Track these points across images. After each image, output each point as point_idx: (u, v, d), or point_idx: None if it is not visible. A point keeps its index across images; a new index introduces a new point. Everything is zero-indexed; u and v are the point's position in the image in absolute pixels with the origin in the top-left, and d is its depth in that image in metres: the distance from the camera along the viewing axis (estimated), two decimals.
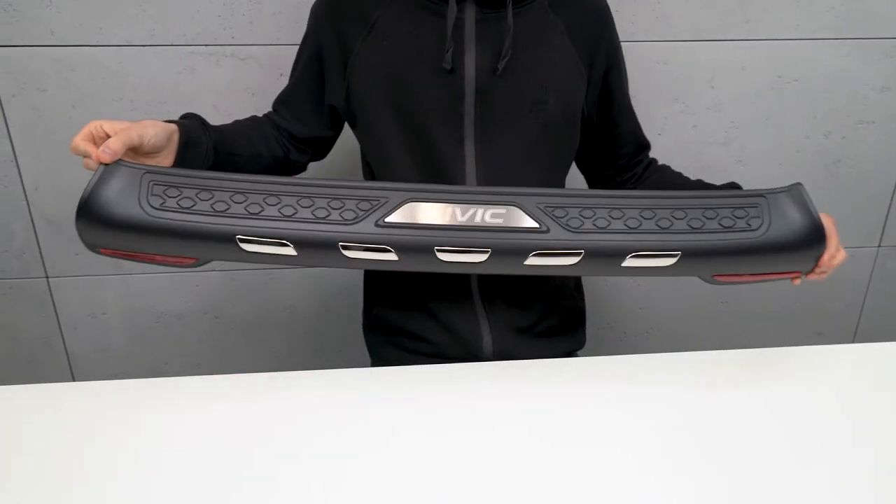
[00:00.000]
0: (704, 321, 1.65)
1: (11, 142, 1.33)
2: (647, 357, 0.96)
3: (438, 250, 0.78)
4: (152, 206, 0.75)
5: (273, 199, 0.76)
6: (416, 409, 0.84)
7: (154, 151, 0.82)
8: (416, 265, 0.81)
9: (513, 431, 0.80)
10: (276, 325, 1.55)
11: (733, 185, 0.97)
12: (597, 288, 1.59)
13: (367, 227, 0.76)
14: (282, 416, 0.82)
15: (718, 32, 1.37)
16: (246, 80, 1.32)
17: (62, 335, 1.51)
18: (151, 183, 0.76)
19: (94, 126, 0.79)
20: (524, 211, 0.80)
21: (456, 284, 1.00)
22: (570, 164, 1.05)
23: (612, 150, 1.06)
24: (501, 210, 0.79)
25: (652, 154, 1.10)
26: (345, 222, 0.76)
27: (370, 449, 0.77)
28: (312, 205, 0.76)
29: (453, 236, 0.78)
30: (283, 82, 1.00)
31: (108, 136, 0.78)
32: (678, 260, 0.80)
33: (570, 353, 1.12)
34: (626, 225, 0.80)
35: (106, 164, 0.75)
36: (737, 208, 0.82)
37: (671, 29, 1.36)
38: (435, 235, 0.77)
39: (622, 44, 1.33)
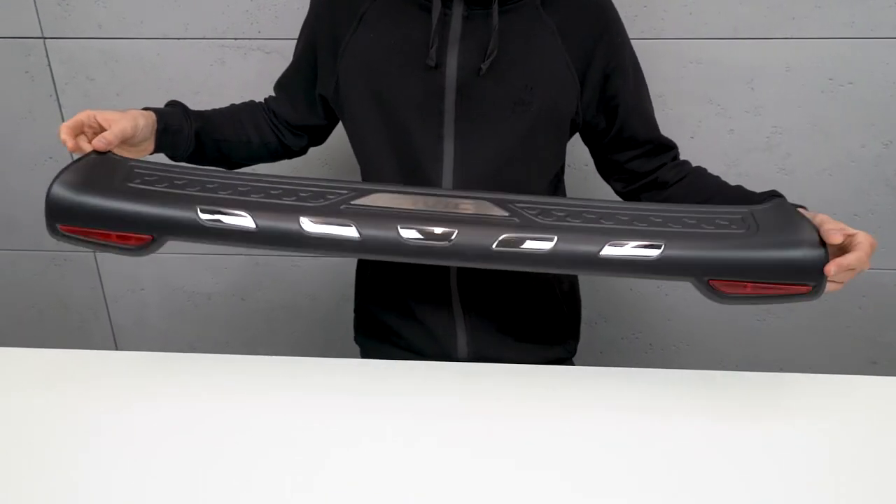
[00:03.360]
0: (739, 339, 1.55)
1: None
2: (647, 372, 0.90)
3: (402, 228, 0.75)
4: (125, 184, 0.78)
5: (233, 186, 0.79)
6: (385, 404, 0.84)
7: (143, 140, 0.88)
8: (379, 246, 0.77)
9: (472, 432, 0.79)
10: (297, 311, 1.60)
11: (774, 194, 0.89)
12: (621, 296, 1.53)
13: (329, 206, 0.76)
14: (270, 400, 0.84)
15: (760, 30, 1.27)
16: (271, 73, 1.34)
17: (107, 307, 1.63)
18: (134, 169, 0.80)
19: (86, 115, 0.83)
20: (494, 204, 0.79)
21: (435, 284, 1.00)
22: (557, 169, 1.01)
23: (627, 155, 0.99)
24: (471, 202, 0.79)
25: (683, 158, 1.02)
26: (305, 200, 0.77)
27: (341, 441, 0.78)
28: (272, 190, 0.79)
29: (418, 214, 0.77)
30: None
31: (101, 127, 0.83)
32: (662, 252, 0.75)
33: (558, 362, 1.09)
34: (602, 221, 0.78)
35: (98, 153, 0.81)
36: (723, 215, 0.79)
37: (706, 26, 1.27)
38: (399, 213, 0.76)
39: (650, 41, 1.28)
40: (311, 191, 0.80)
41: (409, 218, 0.76)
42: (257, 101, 1.07)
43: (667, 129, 1.34)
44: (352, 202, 0.77)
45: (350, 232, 0.75)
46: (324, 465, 0.73)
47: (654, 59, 1.31)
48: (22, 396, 0.83)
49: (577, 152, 1.12)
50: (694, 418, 0.81)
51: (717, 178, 0.97)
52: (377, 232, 0.75)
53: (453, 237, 0.76)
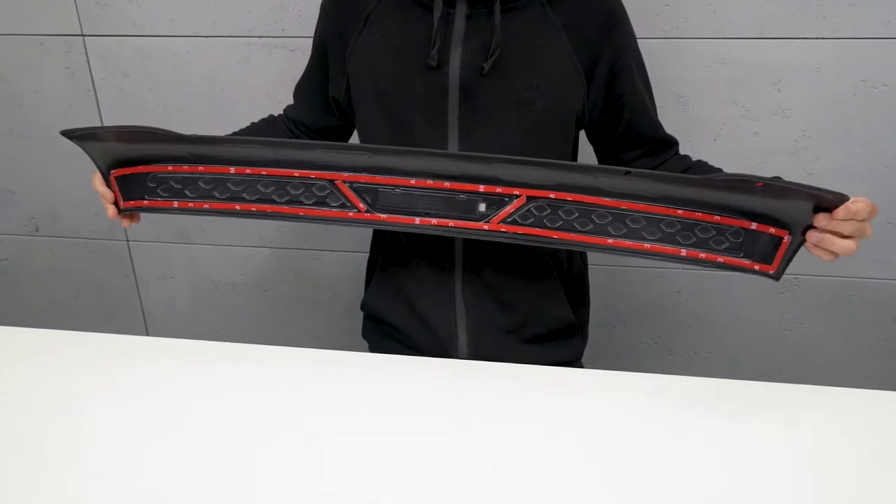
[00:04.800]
0: (764, 348, 1.50)
1: (101, 119, 1.52)
2: (654, 377, 0.88)
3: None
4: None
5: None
6: (375, 397, 0.85)
7: None
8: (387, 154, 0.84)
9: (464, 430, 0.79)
10: (318, 304, 1.63)
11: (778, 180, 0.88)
12: (640, 299, 1.50)
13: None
14: (277, 388, 0.86)
15: (788, 29, 1.23)
16: (294, 71, 1.37)
17: (139, 293, 1.70)
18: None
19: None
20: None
21: (439, 283, 1.01)
22: None
23: (632, 154, 1.00)
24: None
25: (706, 160, 1.01)
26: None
27: (335, 431, 0.79)
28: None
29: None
30: None
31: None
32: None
33: (563, 365, 1.08)
34: None
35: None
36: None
37: (731, 25, 1.24)
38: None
39: (672, 41, 1.26)
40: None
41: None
42: (276, 114, 1.11)
43: (689, 130, 1.32)
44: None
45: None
46: (316, 454, 0.75)
47: (677, 59, 1.28)
48: (58, 376, 0.88)
49: (591, 153, 1.11)
50: (707, 429, 0.77)
51: (719, 169, 0.96)
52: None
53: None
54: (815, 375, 1.50)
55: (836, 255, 0.76)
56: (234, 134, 1.05)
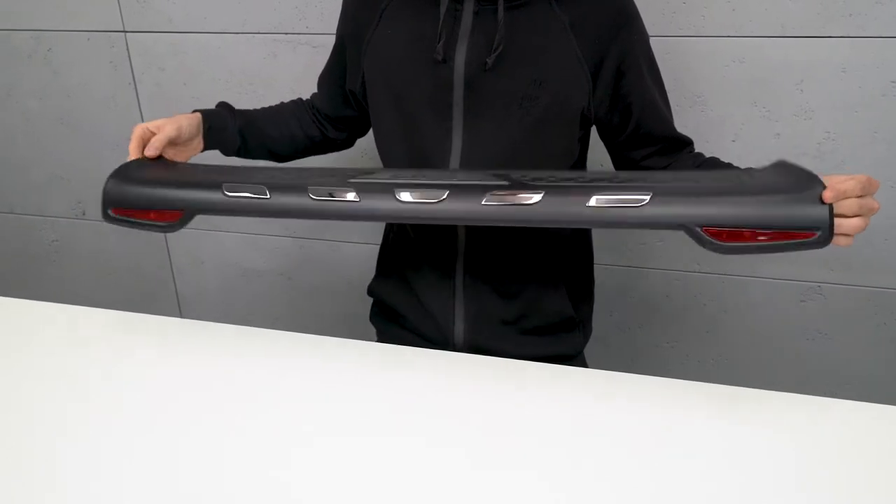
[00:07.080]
0: (786, 358, 1.45)
1: (141, 111, 1.61)
2: (655, 380, 0.85)
3: (398, 188, 0.81)
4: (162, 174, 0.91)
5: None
6: (366, 387, 0.86)
7: (190, 139, 0.97)
8: (376, 206, 0.83)
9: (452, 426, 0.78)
10: (337, 292, 1.68)
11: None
12: (657, 302, 1.48)
13: (335, 178, 0.85)
14: (282, 374, 0.89)
15: (812, 28, 1.18)
16: (317, 66, 1.41)
17: (173, 277, 1.79)
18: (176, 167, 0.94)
19: (141, 129, 0.94)
20: (490, 174, 0.84)
21: (440, 269, 1.03)
22: (570, 165, 1.00)
23: (643, 152, 1.00)
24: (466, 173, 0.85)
25: (727, 161, 0.99)
26: (314, 176, 0.86)
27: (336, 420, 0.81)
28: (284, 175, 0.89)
29: (414, 178, 0.83)
30: None
31: (154, 134, 0.94)
32: (650, 200, 0.75)
33: (562, 358, 1.08)
34: (593, 181, 0.80)
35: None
36: (718, 172, 0.84)
37: (751, 23, 1.21)
38: (397, 180, 0.83)
39: (690, 39, 1.24)
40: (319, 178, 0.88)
41: (405, 186, 0.81)
42: (304, 98, 1.15)
43: (707, 131, 1.30)
44: (353, 178, 0.84)
45: (351, 196, 0.82)
46: (308, 442, 0.76)
47: (695, 58, 1.26)
48: (97, 353, 0.93)
49: (591, 152, 1.10)
50: (715, 440, 0.73)
51: (730, 164, 0.96)
52: (375, 196, 0.82)
53: (445, 197, 0.80)
54: (838, 389, 1.44)
55: (849, 236, 0.73)
56: (263, 109, 1.09)
